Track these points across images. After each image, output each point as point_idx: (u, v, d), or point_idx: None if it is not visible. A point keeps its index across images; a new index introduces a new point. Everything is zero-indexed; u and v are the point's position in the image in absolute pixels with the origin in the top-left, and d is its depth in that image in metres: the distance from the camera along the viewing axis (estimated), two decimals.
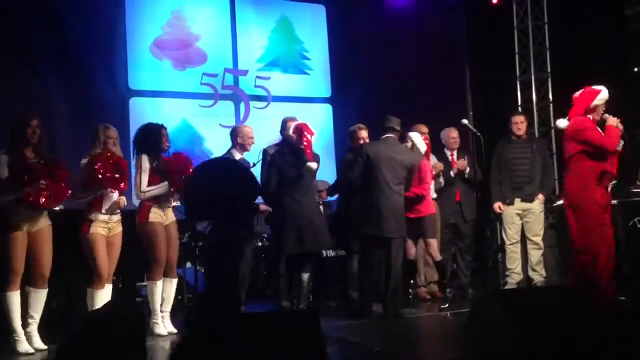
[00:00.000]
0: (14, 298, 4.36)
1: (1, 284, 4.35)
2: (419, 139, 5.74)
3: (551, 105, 8.53)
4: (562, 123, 4.86)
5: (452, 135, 6.56)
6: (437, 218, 6.12)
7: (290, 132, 5.28)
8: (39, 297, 4.47)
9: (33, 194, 4.25)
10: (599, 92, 4.90)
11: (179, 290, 5.33)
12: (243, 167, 4.56)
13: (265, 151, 5.74)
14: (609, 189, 4.84)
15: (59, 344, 2.51)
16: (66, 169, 4.51)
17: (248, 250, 5.53)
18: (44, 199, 4.29)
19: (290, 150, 5.22)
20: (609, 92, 4.94)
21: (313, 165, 5.16)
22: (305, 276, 5.25)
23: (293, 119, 5.56)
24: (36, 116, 4.53)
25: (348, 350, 4.38)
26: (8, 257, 4.33)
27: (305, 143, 5.08)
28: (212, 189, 3.01)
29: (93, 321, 2.56)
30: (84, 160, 4.70)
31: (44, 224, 4.50)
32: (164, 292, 4.95)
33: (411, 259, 5.91)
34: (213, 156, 7.62)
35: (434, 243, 5.86)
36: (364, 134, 5.79)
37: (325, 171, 6.65)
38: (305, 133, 5.10)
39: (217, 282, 2.91)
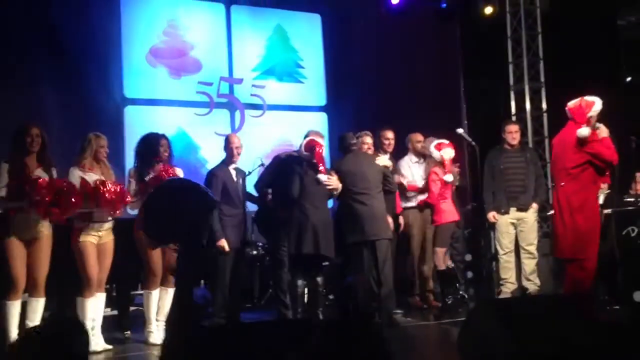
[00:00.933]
0: (13, 308, 4.34)
1: (1, 293, 4.33)
2: (432, 148, 5.96)
3: (545, 114, 8.59)
4: (585, 131, 4.90)
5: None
6: (452, 227, 6.14)
7: (302, 148, 5.37)
8: (37, 307, 4.46)
9: (42, 208, 4.23)
10: (593, 103, 4.95)
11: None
12: (192, 186, 4.33)
13: (279, 158, 5.67)
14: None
15: None
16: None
17: (228, 263, 5.48)
18: (54, 212, 4.27)
19: (308, 163, 5.34)
20: (602, 102, 4.98)
21: (322, 177, 5.23)
22: (319, 280, 5.30)
23: (317, 133, 5.60)
24: (37, 125, 4.53)
25: None
26: (8, 265, 4.32)
27: (317, 158, 5.22)
28: (168, 212, 2.93)
29: (27, 338, 2.46)
30: (73, 169, 4.69)
31: (44, 233, 4.50)
32: (160, 301, 4.94)
33: (441, 269, 6.01)
34: (208, 165, 7.64)
35: (439, 252, 5.97)
36: (368, 140, 5.86)
37: None
38: (317, 149, 5.25)
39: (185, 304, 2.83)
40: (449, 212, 5.97)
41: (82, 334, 2.41)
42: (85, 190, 4.49)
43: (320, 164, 5.22)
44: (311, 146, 5.30)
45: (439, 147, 6.02)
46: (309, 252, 5.21)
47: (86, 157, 4.75)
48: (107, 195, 4.50)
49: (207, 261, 5.34)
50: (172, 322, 2.83)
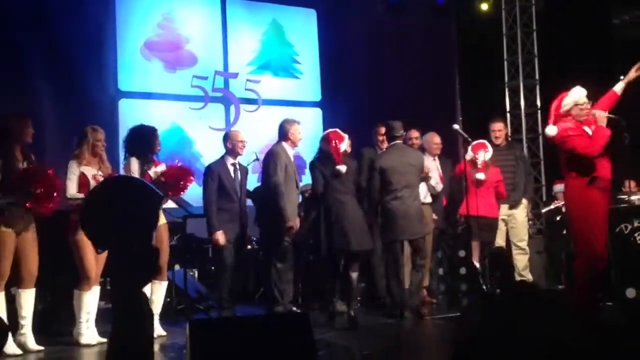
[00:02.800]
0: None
1: None
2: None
3: (539, 111, 8.61)
4: (551, 130, 4.77)
5: (435, 140, 6.42)
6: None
7: (323, 141, 5.43)
8: (29, 298, 4.43)
9: (29, 201, 4.21)
10: (566, 94, 4.75)
11: (168, 293, 5.32)
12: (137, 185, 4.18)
13: (272, 150, 5.62)
14: (606, 192, 4.74)
15: None
16: (52, 172, 4.45)
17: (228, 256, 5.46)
18: (42, 205, 4.25)
19: (326, 155, 5.38)
20: (582, 91, 4.74)
21: (342, 168, 5.24)
22: (354, 275, 5.28)
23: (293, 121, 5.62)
24: (30, 117, 4.50)
25: (336, 354, 4.38)
26: None
27: (333, 149, 5.25)
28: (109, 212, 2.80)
29: None
30: (72, 162, 4.67)
31: (30, 225, 4.46)
32: (153, 295, 4.92)
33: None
34: (202, 159, 7.62)
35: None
36: (415, 134, 5.97)
37: None
38: (332, 140, 5.28)
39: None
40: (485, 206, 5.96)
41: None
42: (83, 184, 4.47)
43: (337, 156, 5.23)
44: (327, 139, 5.32)
45: (476, 148, 6.04)
46: (339, 248, 5.23)
47: (84, 151, 4.71)
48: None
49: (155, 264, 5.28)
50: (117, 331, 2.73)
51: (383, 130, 6.05)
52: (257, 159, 6.17)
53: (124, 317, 2.58)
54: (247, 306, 6.11)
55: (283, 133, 5.57)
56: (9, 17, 6.67)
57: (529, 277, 6.34)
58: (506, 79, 8.83)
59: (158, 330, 4.92)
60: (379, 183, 5.42)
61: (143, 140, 4.93)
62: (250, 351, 2.78)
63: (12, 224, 4.33)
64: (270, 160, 5.44)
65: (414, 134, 6.24)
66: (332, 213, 5.24)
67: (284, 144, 5.54)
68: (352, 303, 5.19)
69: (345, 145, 5.35)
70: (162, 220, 4.96)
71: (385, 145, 5.86)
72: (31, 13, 6.83)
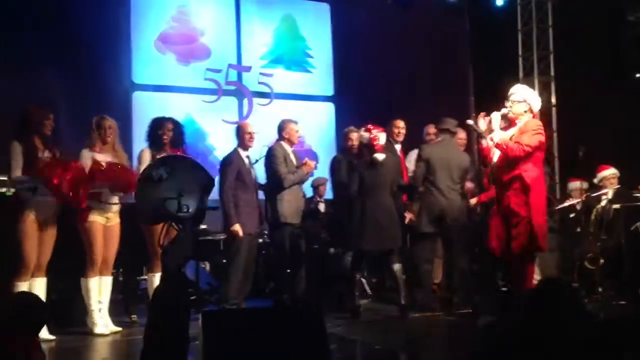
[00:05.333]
0: (23, 289, 4.33)
1: (12, 274, 4.35)
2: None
3: (554, 108, 8.54)
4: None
5: (429, 131, 6.29)
6: None
7: (363, 133, 5.53)
8: (41, 286, 4.48)
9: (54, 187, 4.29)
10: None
11: None
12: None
13: (271, 148, 5.74)
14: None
15: None
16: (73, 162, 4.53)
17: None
18: (66, 191, 4.32)
19: (366, 149, 5.47)
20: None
21: (380, 156, 5.32)
22: (397, 266, 5.33)
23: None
24: (51, 109, 4.59)
25: (348, 348, 4.38)
26: (21, 246, 4.35)
27: (372, 137, 5.35)
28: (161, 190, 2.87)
29: None
30: (84, 151, 4.71)
31: (52, 214, 4.52)
32: (149, 285, 4.94)
33: None
34: (215, 152, 7.65)
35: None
36: (354, 136, 5.93)
37: (326, 169, 6.66)
38: (372, 129, 5.38)
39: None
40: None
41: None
42: (95, 170, 4.51)
43: (375, 142, 5.32)
44: (368, 129, 5.42)
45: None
46: (371, 248, 5.28)
47: (94, 139, 4.77)
48: (117, 176, 4.52)
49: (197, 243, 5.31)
50: (157, 304, 2.81)
51: (400, 123, 6.08)
52: None
53: (162, 295, 2.63)
54: (257, 299, 6.13)
55: (279, 132, 5.79)
56: (25, 9, 6.70)
57: (536, 276, 6.28)
58: (521, 75, 8.76)
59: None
60: (422, 173, 5.49)
61: (151, 131, 5.02)
62: (264, 342, 2.79)
63: (38, 213, 4.38)
64: (269, 157, 5.67)
65: (432, 129, 6.22)
66: (366, 209, 5.27)
67: (282, 143, 5.73)
68: (401, 293, 5.26)
69: (384, 138, 5.43)
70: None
71: (400, 138, 6.07)
72: (47, 7, 6.86)
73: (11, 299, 2.55)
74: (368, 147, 5.39)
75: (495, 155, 4.68)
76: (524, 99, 4.69)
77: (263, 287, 6.68)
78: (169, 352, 2.68)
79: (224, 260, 6.59)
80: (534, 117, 4.77)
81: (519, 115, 4.68)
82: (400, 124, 6.15)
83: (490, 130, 4.68)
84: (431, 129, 6.05)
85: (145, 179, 3.03)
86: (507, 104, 4.74)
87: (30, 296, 3.08)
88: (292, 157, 5.74)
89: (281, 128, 5.79)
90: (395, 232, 5.36)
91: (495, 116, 4.69)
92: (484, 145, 4.75)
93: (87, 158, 4.68)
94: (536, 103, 4.78)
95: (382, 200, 5.32)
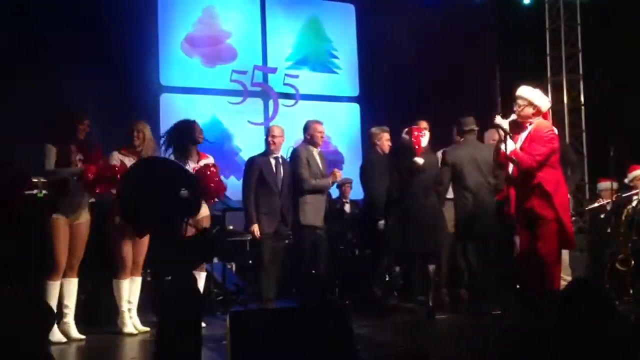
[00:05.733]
0: (54, 288, 4.43)
1: (43, 273, 4.42)
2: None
3: (583, 107, 8.42)
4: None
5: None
6: None
7: (404, 135, 5.48)
8: (72, 287, 4.55)
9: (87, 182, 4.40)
10: None
11: (207, 285, 5.38)
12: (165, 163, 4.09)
13: (295, 150, 5.77)
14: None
15: None
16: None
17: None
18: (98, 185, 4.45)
19: (404, 152, 5.40)
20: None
21: (420, 160, 5.25)
22: (432, 267, 5.33)
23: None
24: (87, 115, 4.68)
25: (374, 349, 4.36)
26: (52, 246, 4.41)
27: (414, 140, 5.29)
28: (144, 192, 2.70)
29: None
30: (114, 153, 4.78)
31: (85, 217, 4.61)
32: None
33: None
34: (241, 153, 7.69)
35: None
36: (386, 136, 5.90)
37: (353, 170, 6.66)
38: (415, 131, 5.33)
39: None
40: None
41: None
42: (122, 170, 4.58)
43: (417, 145, 5.25)
44: (410, 131, 5.37)
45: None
46: (416, 250, 5.24)
47: (129, 142, 4.85)
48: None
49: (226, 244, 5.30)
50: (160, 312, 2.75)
51: (423, 124, 6.02)
52: None
53: (173, 298, 2.60)
54: (285, 300, 6.14)
55: (304, 133, 5.84)
56: (53, 14, 6.82)
57: (567, 277, 6.19)
58: (549, 74, 8.65)
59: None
60: (448, 178, 5.45)
61: (181, 134, 4.99)
62: (290, 342, 2.79)
63: (67, 213, 4.46)
64: (292, 158, 5.72)
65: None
66: (409, 210, 5.22)
67: (307, 144, 5.76)
68: (429, 295, 5.24)
69: (426, 140, 5.34)
70: (205, 212, 4.94)
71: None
72: (75, 11, 6.96)
73: (20, 303, 2.53)
74: (409, 149, 5.29)
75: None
76: (529, 101, 4.59)
77: (289, 288, 6.71)
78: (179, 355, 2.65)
79: (250, 261, 6.64)
80: (544, 117, 4.70)
81: (527, 119, 4.59)
82: (423, 124, 6.08)
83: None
84: (423, 124, 5.92)
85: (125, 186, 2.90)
86: (515, 107, 4.65)
87: (38, 301, 3.07)
88: (317, 159, 5.73)
89: (305, 129, 5.81)
90: (439, 234, 5.32)
91: (504, 124, 4.60)
92: (502, 146, 4.65)
93: (115, 159, 4.75)
94: (544, 103, 4.67)
95: (424, 202, 5.25)
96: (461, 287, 6.25)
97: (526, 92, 4.65)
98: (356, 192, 7.11)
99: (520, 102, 4.61)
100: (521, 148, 4.56)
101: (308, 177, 5.55)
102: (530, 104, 4.58)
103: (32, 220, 4.56)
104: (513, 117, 4.64)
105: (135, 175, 2.95)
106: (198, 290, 2.91)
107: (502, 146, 4.63)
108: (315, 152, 5.76)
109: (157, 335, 2.77)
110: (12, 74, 6.40)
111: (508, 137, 4.61)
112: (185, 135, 4.99)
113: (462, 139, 5.61)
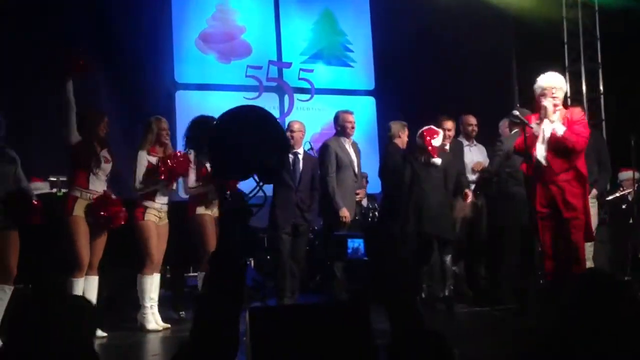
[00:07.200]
0: (78, 285, 4.45)
1: (68, 270, 4.46)
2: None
3: (602, 97, 8.30)
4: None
5: (469, 122, 6.17)
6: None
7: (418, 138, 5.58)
8: (92, 285, 4.58)
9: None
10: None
11: None
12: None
13: (324, 143, 5.72)
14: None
15: None
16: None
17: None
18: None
19: (421, 153, 5.52)
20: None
21: (437, 161, 5.41)
22: (448, 258, 5.40)
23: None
24: (106, 112, 4.82)
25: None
26: (73, 243, 4.45)
27: (429, 146, 5.41)
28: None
29: None
30: (141, 152, 4.80)
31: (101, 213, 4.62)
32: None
33: None
34: None
35: None
36: (406, 132, 5.92)
37: (369, 164, 6.62)
38: (427, 137, 5.43)
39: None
40: None
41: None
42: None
43: (429, 146, 5.39)
44: (422, 136, 5.47)
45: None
46: (427, 231, 5.33)
47: (150, 141, 4.89)
48: (174, 167, 4.77)
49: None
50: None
51: (449, 124, 5.93)
52: (312, 149, 6.19)
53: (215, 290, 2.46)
54: (303, 295, 6.14)
55: (334, 124, 5.80)
56: (67, 12, 6.85)
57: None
58: (567, 63, 8.53)
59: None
60: (499, 163, 5.50)
61: (201, 131, 4.97)
62: (311, 339, 2.78)
63: (86, 212, 4.49)
64: (321, 151, 5.67)
65: (470, 120, 6.09)
66: (419, 196, 5.37)
67: (337, 136, 5.73)
68: (447, 285, 5.33)
69: (439, 140, 5.45)
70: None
71: (473, 134, 6.14)
72: (90, 8, 6.99)
73: (64, 301, 2.49)
74: (424, 151, 5.43)
75: (539, 149, 4.56)
76: (561, 87, 4.66)
77: (308, 283, 6.71)
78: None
79: (268, 257, 6.64)
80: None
81: (560, 104, 4.63)
82: (448, 124, 5.96)
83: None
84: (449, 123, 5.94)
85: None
86: (554, 93, 4.61)
87: (82, 300, 3.08)
88: (349, 149, 5.68)
89: (335, 119, 5.79)
90: (447, 223, 5.41)
91: (549, 105, 4.56)
92: (528, 134, 4.62)
93: (144, 159, 4.80)
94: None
95: (433, 194, 5.38)
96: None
97: (559, 79, 4.69)
98: (373, 185, 7.09)
99: (555, 91, 4.59)
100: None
101: (332, 173, 5.50)
102: (562, 89, 4.67)
103: (53, 219, 4.58)
104: (556, 101, 4.56)
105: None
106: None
107: (527, 135, 4.61)
108: (348, 143, 5.71)
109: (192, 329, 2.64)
110: (27, 74, 6.44)
111: (527, 127, 4.59)
112: (203, 131, 4.99)
113: (515, 130, 5.44)
